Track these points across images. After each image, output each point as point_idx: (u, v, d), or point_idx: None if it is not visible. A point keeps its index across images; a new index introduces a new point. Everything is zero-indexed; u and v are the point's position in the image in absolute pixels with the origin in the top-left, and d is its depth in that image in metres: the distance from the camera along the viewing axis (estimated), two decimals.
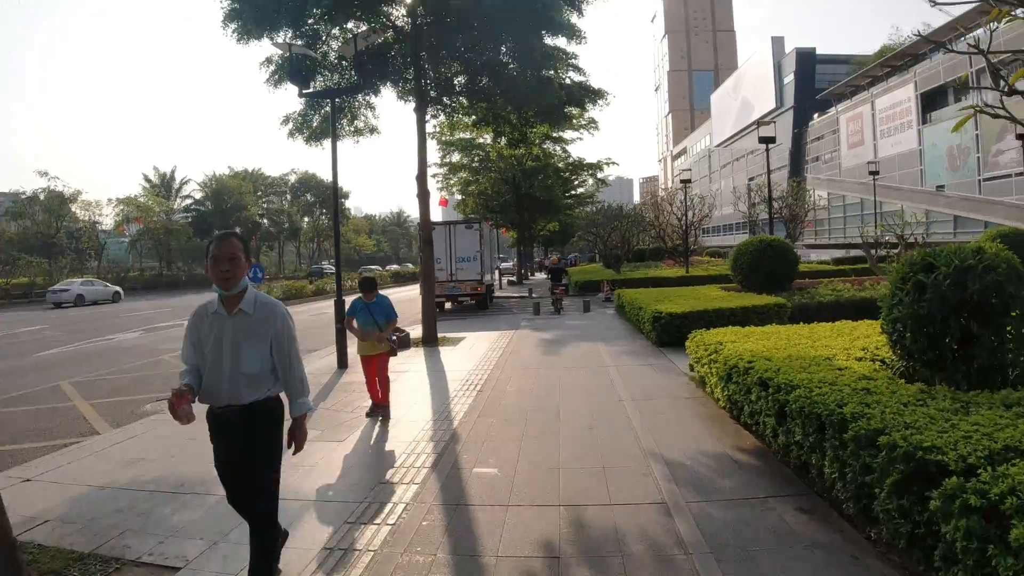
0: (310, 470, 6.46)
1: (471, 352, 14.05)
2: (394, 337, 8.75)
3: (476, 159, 40.98)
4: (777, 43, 77.37)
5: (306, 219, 78.16)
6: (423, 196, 15.72)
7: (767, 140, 22.89)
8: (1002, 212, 43.65)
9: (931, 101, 52.03)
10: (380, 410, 8.71)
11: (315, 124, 17.97)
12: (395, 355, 9.02)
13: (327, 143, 19.00)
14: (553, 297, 23.30)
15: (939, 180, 50.83)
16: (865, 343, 7.78)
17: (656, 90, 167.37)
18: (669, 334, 13.16)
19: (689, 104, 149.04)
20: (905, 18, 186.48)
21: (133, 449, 7.55)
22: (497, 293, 34.51)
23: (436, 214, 29.47)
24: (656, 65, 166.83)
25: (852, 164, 62.29)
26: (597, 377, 10.55)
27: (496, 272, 42.50)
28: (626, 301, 17.88)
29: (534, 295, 31.65)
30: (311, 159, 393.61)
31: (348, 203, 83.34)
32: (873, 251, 22.48)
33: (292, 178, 76.41)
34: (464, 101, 16.75)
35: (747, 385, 6.79)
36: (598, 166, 42.80)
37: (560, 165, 42.83)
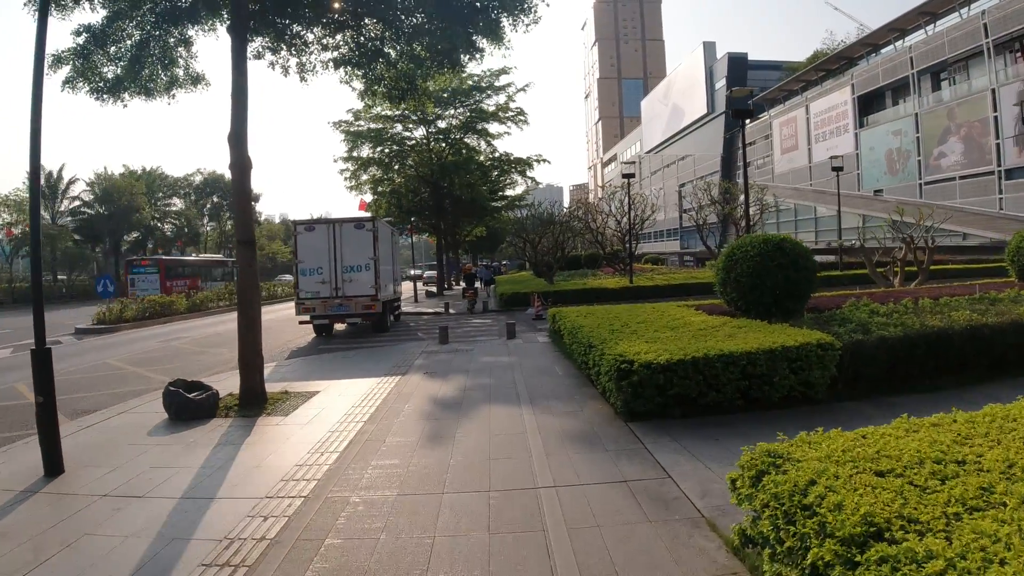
0: None
1: (305, 433, 7.80)
2: None
3: (387, 152, 34.74)
4: (709, 48, 73.52)
5: (212, 224, 69.60)
6: (239, 168, 9.43)
7: (742, 114, 17.44)
8: (943, 216, 40.49)
9: (868, 104, 48.89)
10: None
11: (105, 68, 11.59)
12: None
13: (135, 101, 12.62)
14: (465, 298, 26.14)
15: (877, 184, 47.76)
16: None
17: (586, 97, 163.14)
18: (646, 400, 7.28)
19: (619, 112, 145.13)
20: (839, 26, 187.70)
21: None
22: (409, 308, 28.18)
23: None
24: (586, 72, 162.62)
25: (785, 169, 59.01)
26: (517, 541, 4.50)
27: (416, 283, 36.09)
28: (566, 329, 11.91)
29: (451, 311, 25.48)
30: (220, 159, 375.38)
31: (260, 207, 75.17)
32: (873, 257, 17.43)
33: (197, 179, 68.09)
34: (317, 32, 10.53)
35: None
36: (527, 162, 36.83)
37: (484, 161, 36.80)
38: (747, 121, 18.20)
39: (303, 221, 18.44)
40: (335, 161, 35.02)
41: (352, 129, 33.97)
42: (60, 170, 56.75)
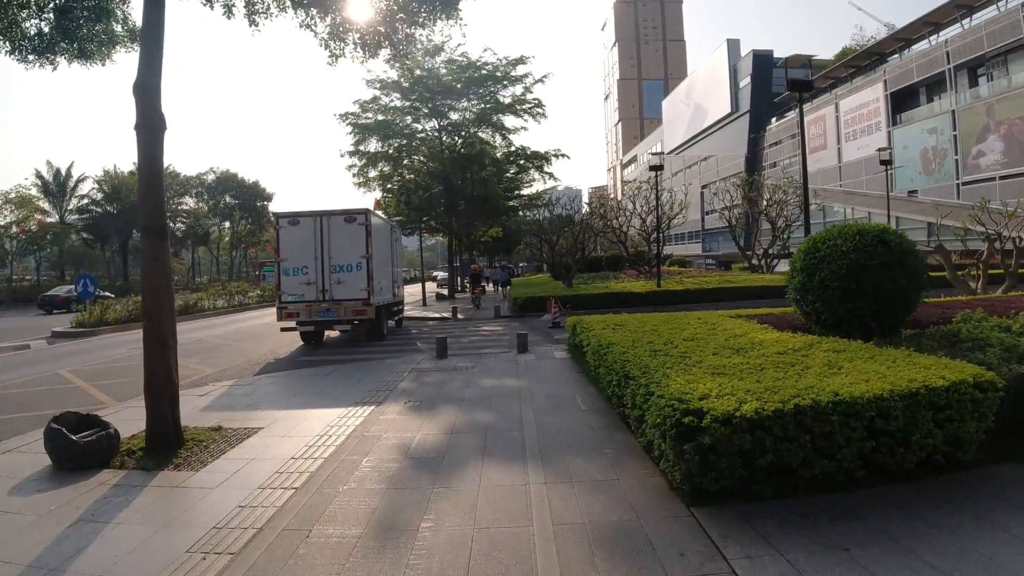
0: None
1: (206, 506, 5.12)
2: None
3: (395, 146, 32.17)
4: (733, 46, 70.16)
5: (226, 223, 67.39)
6: (148, 130, 6.82)
7: (799, 87, 14.58)
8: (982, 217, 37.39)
9: (902, 101, 45.54)
10: None
11: (27, 23, 9.33)
12: None
13: (74, 66, 10.17)
14: (472, 295, 27.45)
15: (911, 185, 44.43)
16: None
17: (606, 99, 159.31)
18: (723, 473, 4.46)
19: (639, 113, 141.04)
20: (868, 22, 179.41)
21: None
22: (416, 312, 25.53)
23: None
24: (606, 74, 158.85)
25: (813, 169, 55.55)
26: None
27: (424, 285, 33.43)
28: (591, 346, 9.11)
29: (459, 316, 22.83)
30: (233, 157, 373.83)
31: (274, 207, 72.99)
32: (952, 259, 14.57)
33: (210, 177, 66.17)
34: None
35: None
36: (545, 157, 33.92)
37: (499, 156, 34.03)
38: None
39: (286, 213, 15.87)
40: (341, 156, 32.59)
41: (360, 122, 31.52)
42: (69, 168, 54.64)
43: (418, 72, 30.70)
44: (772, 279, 24.75)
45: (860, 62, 53.10)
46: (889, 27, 61.43)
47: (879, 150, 30.93)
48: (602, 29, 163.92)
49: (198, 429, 7.45)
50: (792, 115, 60.11)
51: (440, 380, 10.13)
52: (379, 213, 17.25)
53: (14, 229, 48.22)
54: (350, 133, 31.37)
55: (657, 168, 23.48)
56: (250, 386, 10.54)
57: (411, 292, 40.40)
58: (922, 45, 45.88)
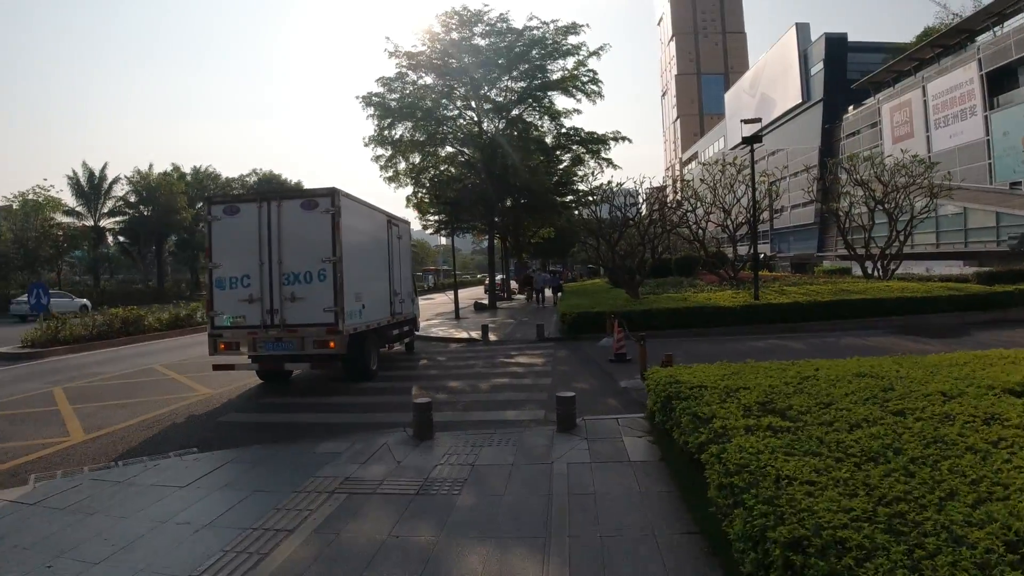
0: None
1: None
2: None
3: (426, 129, 26.77)
4: (802, 30, 62.95)
5: None
6: None
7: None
8: None
9: (999, 82, 38.77)
10: None
11: None
12: None
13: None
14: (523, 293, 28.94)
15: (1013, 176, 37.78)
16: None
17: (663, 95, 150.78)
18: None
19: (698, 109, 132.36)
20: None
21: None
22: (443, 328, 20.11)
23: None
24: (663, 69, 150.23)
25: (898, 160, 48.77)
26: None
27: (457, 294, 27.65)
28: (746, 509, 3.20)
29: (491, 337, 17.15)
30: (276, 158, 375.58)
31: None
32: None
33: (252, 179, 63.00)
34: None
35: None
36: (602, 140, 28.04)
37: (548, 141, 28.24)
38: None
39: (221, 198, 10.68)
40: (365, 145, 27.43)
41: (385, 102, 26.41)
42: (103, 169, 50.51)
43: (450, 39, 25.56)
44: (905, 288, 18.14)
45: (947, 40, 45.91)
46: (977, 3, 53.64)
47: None
48: (658, 24, 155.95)
49: None
50: (871, 102, 52.79)
51: (373, 540, 4.41)
52: (360, 197, 11.64)
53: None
54: (371, 116, 26.21)
55: (753, 139, 17.38)
56: (33, 509, 5.15)
57: (449, 300, 35.10)
58: (1019, 19, 39.01)
